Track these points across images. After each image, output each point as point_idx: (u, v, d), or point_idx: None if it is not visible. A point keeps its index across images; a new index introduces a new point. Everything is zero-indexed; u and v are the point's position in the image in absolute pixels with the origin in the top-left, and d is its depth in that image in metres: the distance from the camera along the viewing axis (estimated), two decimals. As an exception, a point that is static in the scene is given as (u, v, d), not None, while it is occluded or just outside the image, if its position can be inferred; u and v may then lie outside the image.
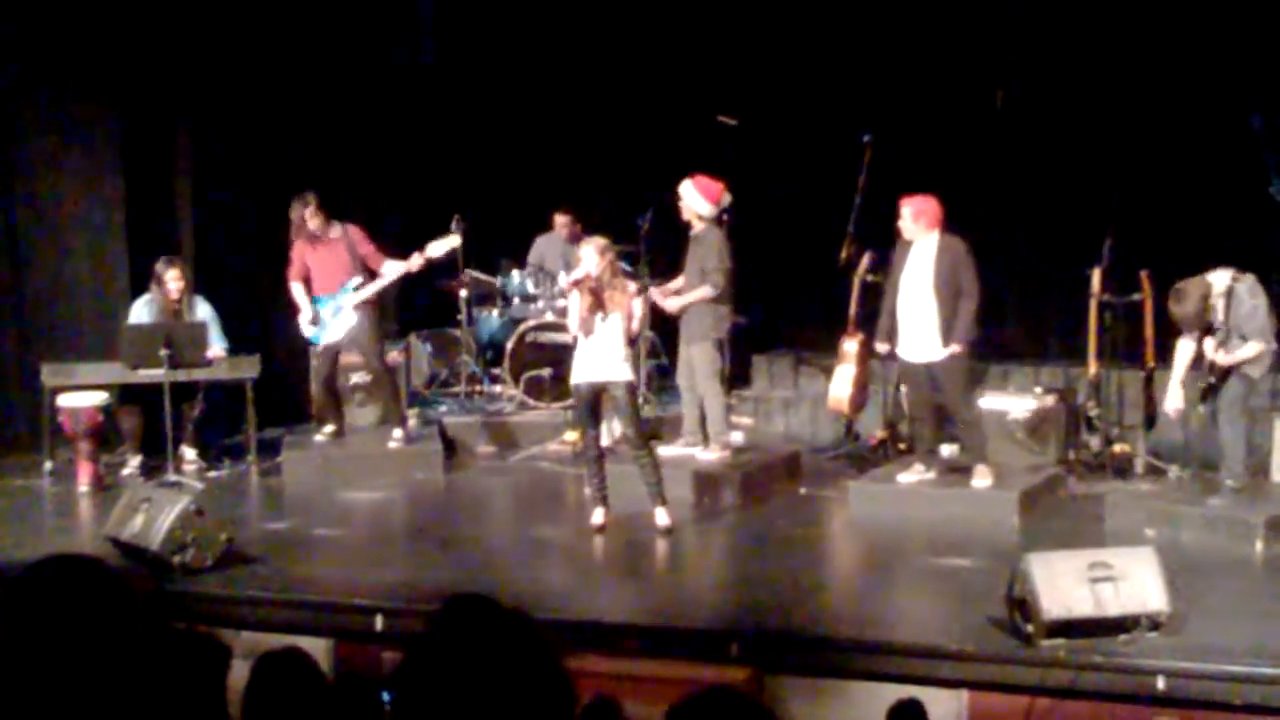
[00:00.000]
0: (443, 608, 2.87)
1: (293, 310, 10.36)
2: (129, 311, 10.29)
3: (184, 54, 11.09)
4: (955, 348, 8.84)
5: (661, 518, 8.43)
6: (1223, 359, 8.24)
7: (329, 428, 10.49)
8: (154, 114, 11.13)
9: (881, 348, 9.31)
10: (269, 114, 11.46)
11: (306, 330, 10.34)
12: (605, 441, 8.86)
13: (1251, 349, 8.20)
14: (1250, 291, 8.26)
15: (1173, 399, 8.56)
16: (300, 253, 10.26)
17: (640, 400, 9.35)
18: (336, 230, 10.21)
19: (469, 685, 2.67)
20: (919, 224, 8.90)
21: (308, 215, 10.08)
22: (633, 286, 8.57)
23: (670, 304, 9.66)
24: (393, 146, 12.30)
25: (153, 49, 10.95)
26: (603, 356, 8.31)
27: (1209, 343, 8.30)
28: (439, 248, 10.37)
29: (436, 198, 11.78)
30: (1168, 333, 9.22)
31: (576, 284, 8.30)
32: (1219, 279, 8.29)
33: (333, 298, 10.20)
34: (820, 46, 11.78)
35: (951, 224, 8.99)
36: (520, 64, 12.55)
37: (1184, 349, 8.51)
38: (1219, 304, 8.27)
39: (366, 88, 12.01)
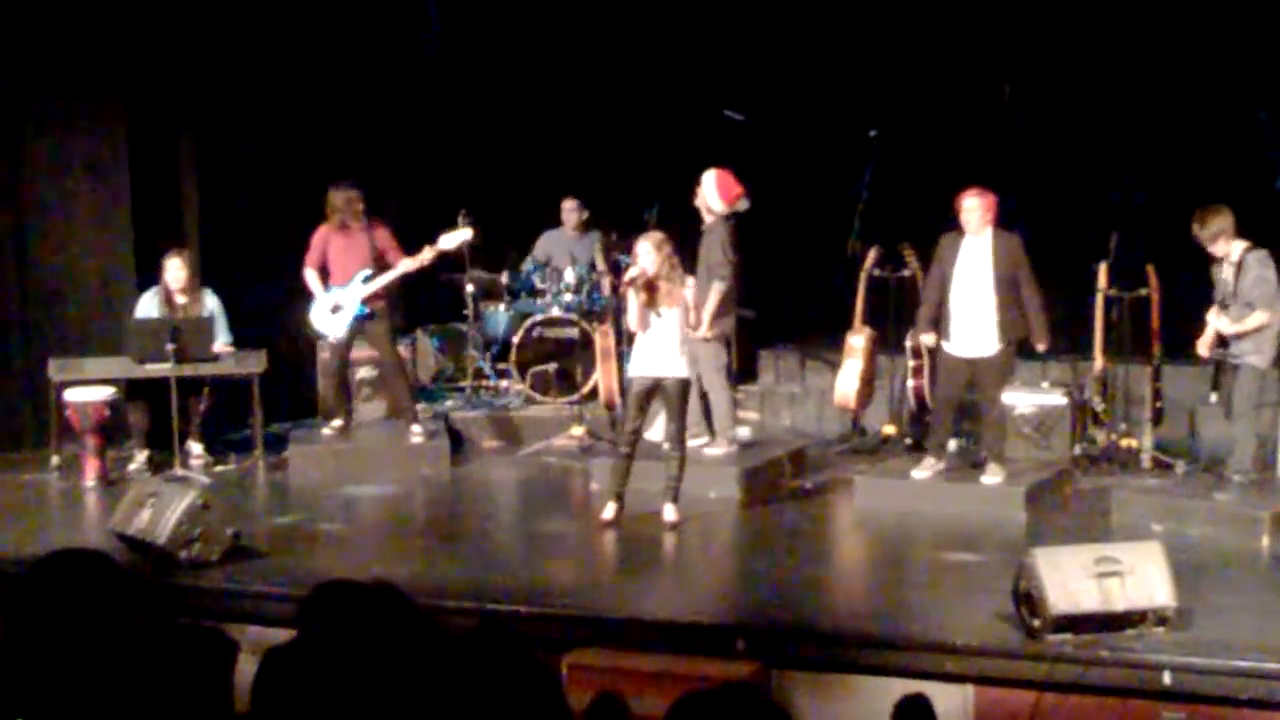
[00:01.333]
0: (307, 597, 2.90)
1: (306, 295, 10.27)
2: (136, 306, 10.29)
3: (189, 50, 11.06)
4: (1042, 344, 8.87)
5: (669, 513, 8.43)
6: (1228, 328, 8.24)
7: (336, 422, 10.48)
8: (159, 110, 11.11)
9: (929, 340, 9.15)
10: (274, 109, 11.43)
11: (317, 320, 10.32)
12: (656, 436, 8.87)
13: (1257, 319, 8.18)
14: (1261, 262, 8.27)
15: (1204, 342, 8.49)
16: (322, 240, 10.23)
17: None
18: (363, 223, 10.22)
19: (344, 667, 2.69)
20: (986, 218, 8.81)
21: (354, 203, 10.10)
22: (691, 281, 8.49)
23: (703, 331, 9.00)
24: (398, 139, 12.29)
25: (157, 45, 10.93)
26: (659, 351, 8.31)
27: (1212, 312, 8.30)
28: (451, 240, 10.36)
29: (442, 191, 11.77)
30: (1174, 327, 9.22)
31: (630, 283, 8.29)
32: (1236, 245, 8.30)
33: (344, 289, 10.20)
34: (827, 42, 11.75)
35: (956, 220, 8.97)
36: (526, 57, 12.53)
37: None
38: (1229, 272, 8.27)
39: (371, 80, 11.98)
